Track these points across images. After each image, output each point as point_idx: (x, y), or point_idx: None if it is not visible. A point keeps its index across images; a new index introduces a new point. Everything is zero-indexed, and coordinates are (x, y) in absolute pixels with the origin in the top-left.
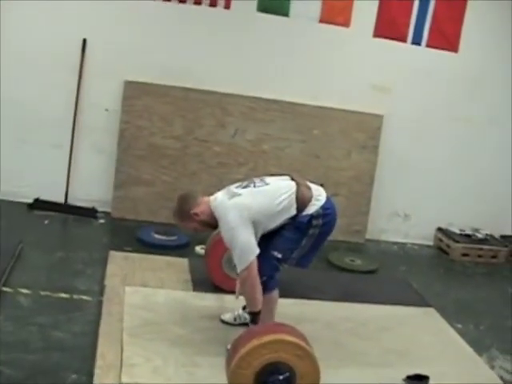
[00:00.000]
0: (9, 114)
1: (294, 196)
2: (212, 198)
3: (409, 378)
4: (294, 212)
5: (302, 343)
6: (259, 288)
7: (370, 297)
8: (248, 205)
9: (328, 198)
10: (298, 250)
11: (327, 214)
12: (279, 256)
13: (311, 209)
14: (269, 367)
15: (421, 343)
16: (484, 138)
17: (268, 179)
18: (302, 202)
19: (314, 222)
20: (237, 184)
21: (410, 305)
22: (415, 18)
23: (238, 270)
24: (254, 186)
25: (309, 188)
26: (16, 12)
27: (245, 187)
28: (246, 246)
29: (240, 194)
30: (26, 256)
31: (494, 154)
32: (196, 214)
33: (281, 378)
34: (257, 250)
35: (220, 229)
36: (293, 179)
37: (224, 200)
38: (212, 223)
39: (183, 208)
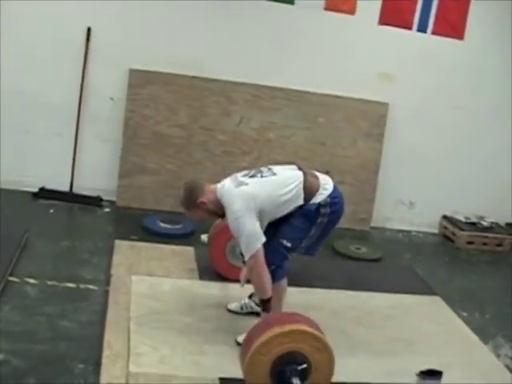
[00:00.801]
0: (13, 103)
1: (301, 186)
2: (219, 185)
3: (422, 373)
4: (301, 202)
5: (321, 336)
6: (267, 275)
7: (375, 285)
8: (254, 194)
9: (335, 187)
10: (307, 239)
11: (335, 202)
12: (288, 245)
13: (318, 198)
14: (287, 356)
15: (426, 332)
16: (489, 126)
17: (275, 169)
18: (309, 191)
19: (322, 211)
20: (244, 172)
21: (416, 293)
22: (420, 5)
23: (245, 258)
24: (261, 176)
25: (316, 177)
26: (20, 0)
27: (252, 176)
28: (252, 234)
29: (247, 184)
30: (32, 245)
31: (499, 142)
32: (203, 203)
33: (298, 368)
34: (263, 238)
35: (226, 217)
36: (300, 169)
37: (231, 188)
38: (218, 211)
39: (190, 197)
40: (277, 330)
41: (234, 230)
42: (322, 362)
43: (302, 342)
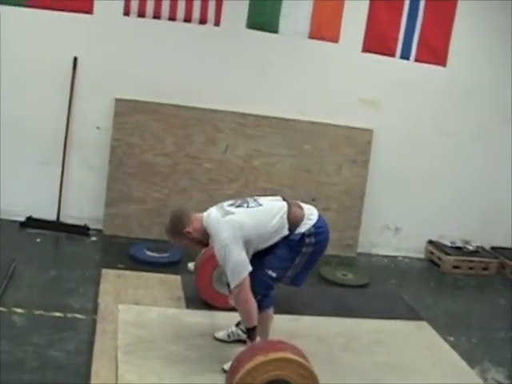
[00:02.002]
0: (0, 132)
1: (285, 216)
2: (205, 214)
3: None
4: (286, 232)
5: (306, 363)
6: (253, 303)
7: (362, 311)
8: (241, 224)
9: (320, 217)
10: (292, 268)
11: (320, 232)
12: (274, 275)
13: (303, 228)
14: None
15: (414, 356)
16: (472, 150)
17: (261, 200)
18: (293, 221)
19: (307, 240)
20: (230, 202)
21: (402, 318)
22: (403, 32)
23: (231, 287)
24: (248, 206)
25: (300, 208)
26: (7, 31)
27: (238, 206)
28: (238, 263)
29: (233, 213)
30: (19, 275)
31: (483, 167)
32: (189, 232)
33: None
34: (249, 267)
35: (213, 245)
36: (284, 199)
37: (217, 217)
38: (203, 240)
39: (177, 226)
40: (261, 358)
41: (220, 259)
42: None
43: (286, 369)
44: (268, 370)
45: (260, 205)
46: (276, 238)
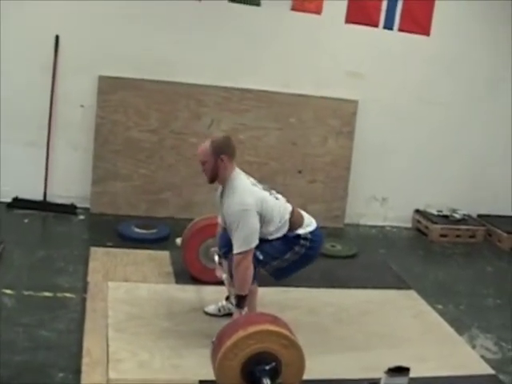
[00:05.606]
0: None
1: (287, 218)
2: (237, 170)
3: (390, 370)
4: (285, 231)
5: (287, 332)
6: (251, 272)
7: (351, 281)
8: (264, 201)
9: (317, 228)
10: (279, 260)
11: (314, 240)
12: (260, 257)
13: (300, 231)
14: (255, 357)
15: (403, 325)
16: (458, 119)
17: (276, 194)
18: (293, 224)
19: (302, 242)
20: (254, 180)
21: (391, 287)
22: (386, 2)
23: (236, 251)
24: (270, 194)
25: (301, 216)
26: None
27: (263, 189)
28: (252, 232)
29: (260, 189)
30: (7, 256)
31: (468, 135)
32: (222, 160)
33: (267, 367)
34: (257, 240)
35: (230, 203)
36: (288, 202)
37: (247, 182)
38: (214, 177)
39: (224, 146)
40: (240, 333)
41: (233, 220)
42: (291, 358)
43: (267, 341)
44: (249, 344)
45: (277, 199)
46: (275, 234)
